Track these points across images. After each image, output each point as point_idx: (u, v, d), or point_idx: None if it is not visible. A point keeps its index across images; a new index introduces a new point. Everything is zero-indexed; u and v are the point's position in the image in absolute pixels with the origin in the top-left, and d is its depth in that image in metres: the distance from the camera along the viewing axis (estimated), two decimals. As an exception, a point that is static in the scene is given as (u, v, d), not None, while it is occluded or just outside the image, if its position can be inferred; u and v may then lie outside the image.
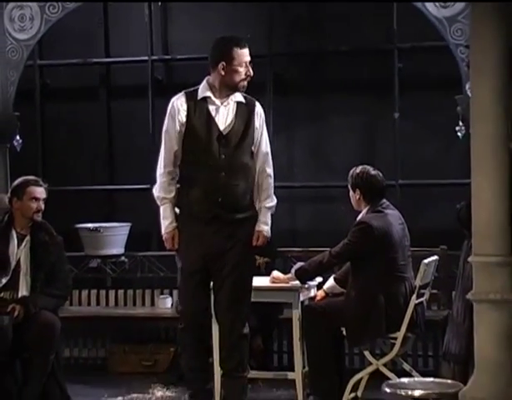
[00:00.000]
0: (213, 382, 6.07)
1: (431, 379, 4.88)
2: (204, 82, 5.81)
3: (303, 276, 6.54)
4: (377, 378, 6.18)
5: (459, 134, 7.20)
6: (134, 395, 6.92)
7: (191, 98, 5.73)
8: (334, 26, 9.14)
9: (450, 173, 8.49)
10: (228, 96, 5.77)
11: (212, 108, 5.72)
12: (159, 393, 6.96)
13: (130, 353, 7.80)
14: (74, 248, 8.16)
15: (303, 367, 6.55)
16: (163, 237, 5.79)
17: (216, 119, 5.71)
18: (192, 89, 5.81)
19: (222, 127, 5.71)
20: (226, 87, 5.74)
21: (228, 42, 5.78)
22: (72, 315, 7.70)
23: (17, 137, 8.17)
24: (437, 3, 7.11)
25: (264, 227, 5.82)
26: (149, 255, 8.89)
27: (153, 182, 10.08)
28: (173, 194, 5.73)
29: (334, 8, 8.95)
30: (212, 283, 5.84)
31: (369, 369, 6.46)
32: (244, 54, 5.76)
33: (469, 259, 3.92)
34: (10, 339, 6.04)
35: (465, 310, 5.28)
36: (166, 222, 5.72)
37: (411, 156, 8.93)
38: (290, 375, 6.65)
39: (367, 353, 6.49)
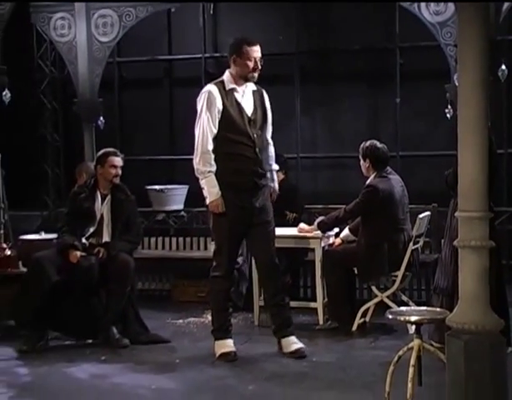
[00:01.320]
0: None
1: (424, 308, 4.86)
2: (227, 73, 5.59)
3: (324, 227, 6.55)
4: (381, 307, 6.18)
5: (447, 115, 7.15)
6: (191, 318, 6.95)
7: (221, 89, 5.51)
8: (347, 28, 9.08)
9: (440, 146, 8.43)
10: (243, 85, 5.58)
11: (238, 96, 5.55)
12: (210, 317, 7.00)
13: (188, 286, 7.80)
14: (144, 205, 8.20)
15: (323, 299, 6.57)
16: (213, 204, 5.52)
17: (243, 106, 5.55)
18: (218, 81, 5.60)
19: (248, 112, 5.56)
20: (240, 78, 5.55)
21: (240, 40, 5.59)
22: (143, 256, 7.72)
23: (101, 118, 8.23)
24: (431, 11, 7.04)
25: (276, 185, 5.83)
26: (203, 210, 8.90)
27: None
28: (215, 167, 5.50)
29: (347, 14, 8.90)
30: (251, 234, 5.68)
31: (375, 300, 6.47)
32: (253, 50, 5.51)
33: (455, 214, 3.90)
34: (96, 274, 6.11)
35: (452, 254, 5.26)
36: (215, 191, 5.48)
37: (409, 132, 8.89)
38: (313, 304, 6.68)
39: (373, 288, 6.49)
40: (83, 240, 6.20)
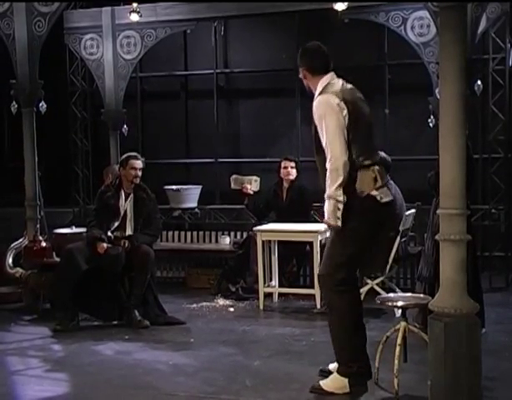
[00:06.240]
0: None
1: (409, 294, 4.88)
2: None
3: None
4: (371, 294, 6.17)
5: (430, 124, 7.16)
6: (204, 303, 6.95)
7: None
8: (343, 48, 9.05)
9: (423, 151, 8.43)
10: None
11: None
12: (221, 302, 7.02)
13: (201, 274, 7.79)
14: (163, 202, 8.21)
15: (320, 285, 6.56)
16: None
17: None
18: None
19: None
20: None
21: None
22: (162, 248, 7.71)
23: (125, 126, 8.27)
24: (415, 32, 7.09)
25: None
26: (214, 208, 8.96)
27: (217, 156, 10.18)
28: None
29: (343, 36, 8.88)
30: None
31: (366, 287, 6.40)
32: None
33: (437, 212, 3.91)
34: (121, 263, 6.14)
35: (434, 246, 5.26)
36: None
37: (396, 139, 8.88)
38: (311, 291, 6.66)
39: (365, 278, 6.48)
40: (109, 233, 6.22)
